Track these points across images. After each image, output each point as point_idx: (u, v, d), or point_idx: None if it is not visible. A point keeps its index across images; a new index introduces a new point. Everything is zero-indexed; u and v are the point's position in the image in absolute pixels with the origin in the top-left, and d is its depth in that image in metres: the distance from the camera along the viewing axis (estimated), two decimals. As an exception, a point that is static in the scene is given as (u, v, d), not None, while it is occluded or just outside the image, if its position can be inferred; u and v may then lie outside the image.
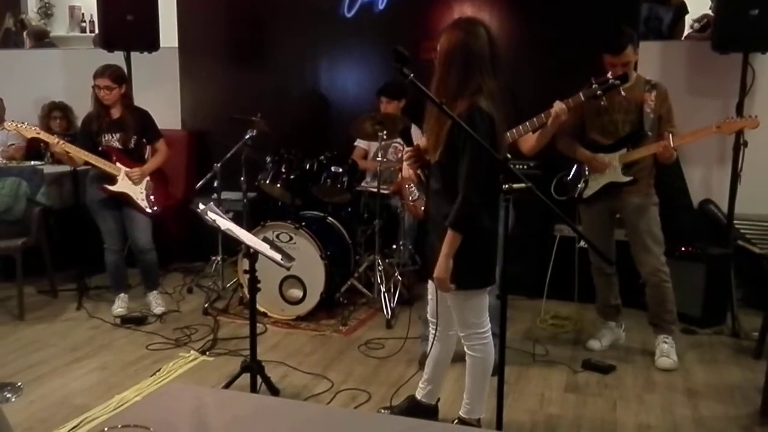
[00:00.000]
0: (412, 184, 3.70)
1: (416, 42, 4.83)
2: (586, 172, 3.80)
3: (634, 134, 3.66)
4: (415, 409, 3.04)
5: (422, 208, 3.77)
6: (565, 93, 3.34)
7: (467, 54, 2.55)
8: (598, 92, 3.27)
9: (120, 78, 4.31)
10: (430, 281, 2.84)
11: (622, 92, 3.43)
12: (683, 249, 4.35)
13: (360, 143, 5.00)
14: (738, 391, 3.44)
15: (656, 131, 3.64)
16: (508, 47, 4.79)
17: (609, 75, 3.29)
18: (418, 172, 2.85)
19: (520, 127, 3.32)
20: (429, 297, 2.93)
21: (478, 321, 2.75)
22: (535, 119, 3.31)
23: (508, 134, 3.14)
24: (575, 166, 3.87)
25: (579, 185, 3.82)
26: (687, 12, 5.19)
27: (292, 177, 4.51)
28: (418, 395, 3.05)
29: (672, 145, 3.52)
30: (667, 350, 3.74)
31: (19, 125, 4.18)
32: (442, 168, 2.63)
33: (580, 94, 3.31)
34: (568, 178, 3.89)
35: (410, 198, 3.76)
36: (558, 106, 3.27)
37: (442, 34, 2.63)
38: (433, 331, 2.94)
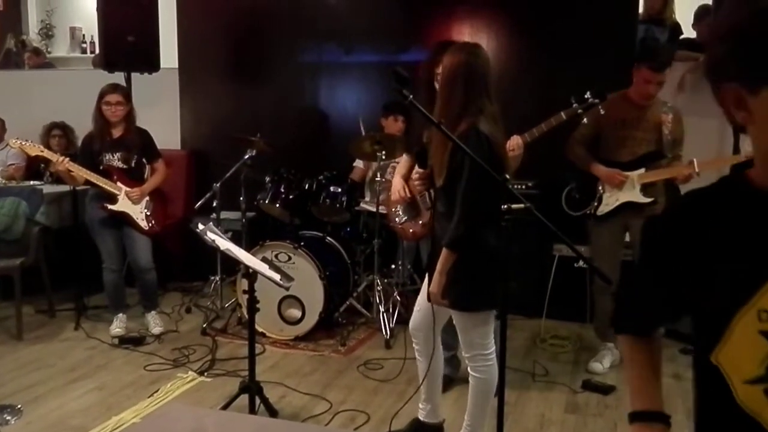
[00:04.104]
0: (398, 207, 3.72)
1: (417, 62, 4.85)
2: (600, 189, 3.76)
3: (653, 154, 3.67)
4: (421, 430, 3.02)
5: (411, 230, 3.79)
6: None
7: (469, 75, 2.56)
8: (579, 111, 3.30)
9: (128, 96, 4.41)
10: (421, 294, 2.85)
11: (601, 111, 3.43)
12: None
13: (359, 164, 5.01)
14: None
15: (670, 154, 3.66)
16: (505, 69, 4.82)
17: (588, 95, 3.31)
18: (424, 193, 2.85)
19: None
20: (416, 308, 2.91)
21: (483, 342, 2.73)
22: None
23: None
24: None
25: (593, 202, 3.78)
26: (682, 33, 5.23)
27: (291, 197, 4.52)
28: (421, 416, 3.04)
29: (697, 170, 3.51)
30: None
31: (23, 143, 4.20)
32: (446, 191, 2.63)
33: (562, 113, 3.32)
34: (578, 195, 3.85)
35: (397, 221, 3.78)
36: (513, 140, 3.20)
37: (444, 56, 2.64)
38: (416, 346, 2.93)
